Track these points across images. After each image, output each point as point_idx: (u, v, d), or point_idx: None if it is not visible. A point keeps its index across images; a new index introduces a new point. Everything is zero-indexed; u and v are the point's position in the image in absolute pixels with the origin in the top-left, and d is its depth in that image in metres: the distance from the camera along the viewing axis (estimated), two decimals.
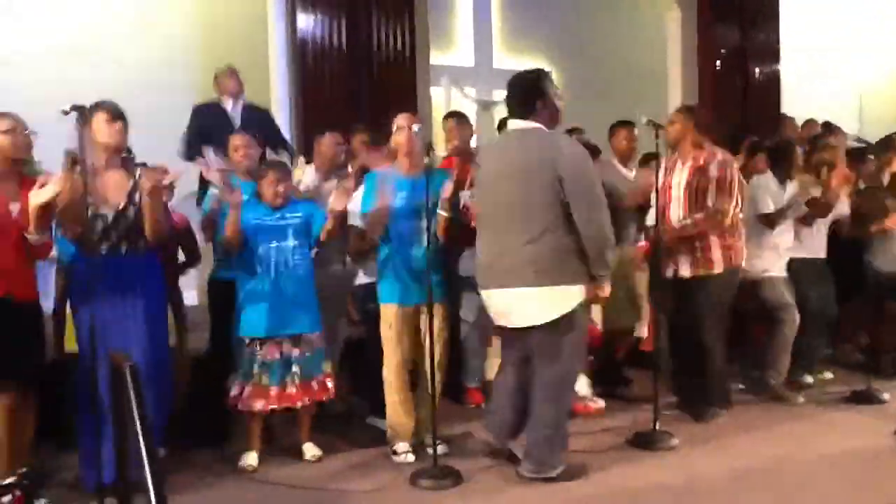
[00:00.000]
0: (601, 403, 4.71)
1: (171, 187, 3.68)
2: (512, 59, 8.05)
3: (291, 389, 3.80)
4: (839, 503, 3.42)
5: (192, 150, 4.98)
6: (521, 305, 3.45)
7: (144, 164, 3.60)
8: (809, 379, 5.36)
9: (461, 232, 4.02)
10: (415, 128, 3.87)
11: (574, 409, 4.17)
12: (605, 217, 3.45)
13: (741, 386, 5.11)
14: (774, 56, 8.14)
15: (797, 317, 4.92)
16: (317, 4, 5.94)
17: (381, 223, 3.84)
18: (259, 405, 3.78)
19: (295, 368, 3.81)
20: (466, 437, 4.24)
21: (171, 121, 5.28)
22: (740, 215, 4.50)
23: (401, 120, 3.92)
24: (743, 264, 4.63)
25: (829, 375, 5.52)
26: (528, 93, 3.50)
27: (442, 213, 3.83)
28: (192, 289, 5.01)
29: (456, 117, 5.05)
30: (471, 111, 7.16)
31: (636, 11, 8.29)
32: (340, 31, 5.96)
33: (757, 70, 8.03)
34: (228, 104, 5.41)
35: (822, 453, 4.00)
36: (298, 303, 3.82)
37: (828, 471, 3.77)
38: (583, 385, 4.56)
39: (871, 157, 5.91)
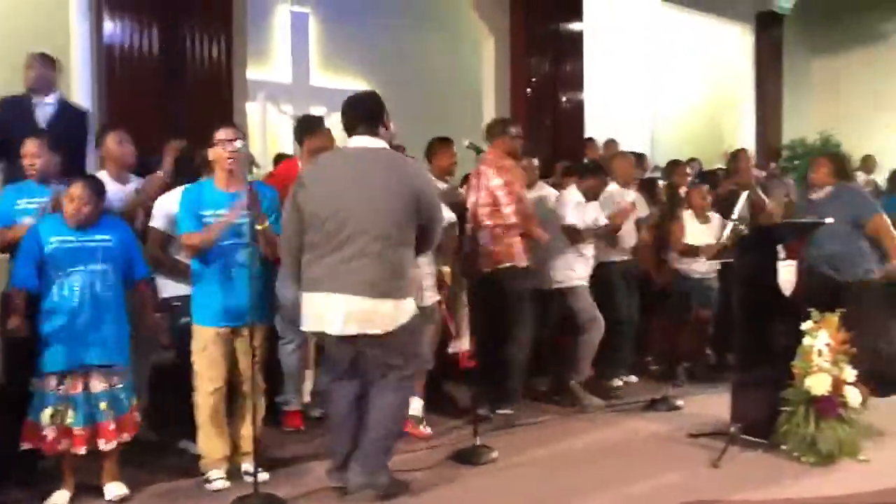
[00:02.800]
0: (429, 431, 4.62)
1: None
2: (330, 78, 8.03)
3: (98, 428, 3.50)
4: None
5: None
6: (371, 313, 3.40)
7: None
8: (618, 381, 5.70)
9: None
10: (237, 143, 3.75)
11: (406, 430, 4.17)
12: (439, 233, 3.69)
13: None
14: (579, 85, 8.62)
15: (602, 324, 5.21)
16: (125, 9, 5.59)
17: (200, 251, 3.71)
18: (64, 445, 3.46)
19: (102, 405, 3.51)
20: (288, 462, 4.12)
21: None
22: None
23: (221, 134, 3.78)
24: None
25: (633, 379, 5.87)
26: (375, 113, 3.57)
27: (258, 227, 3.71)
28: None
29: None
30: (288, 128, 7.03)
31: (454, 37, 8.53)
32: (152, 39, 5.64)
33: (564, 98, 8.47)
34: (39, 99, 4.69)
35: (625, 458, 4.26)
36: (104, 332, 3.52)
37: (630, 474, 3.99)
38: (417, 407, 4.56)
39: (662, 183, 6.43)
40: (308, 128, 4.72)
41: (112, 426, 3.53)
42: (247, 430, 3.78)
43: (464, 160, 5.04)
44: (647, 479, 3.94)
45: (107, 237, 3.57)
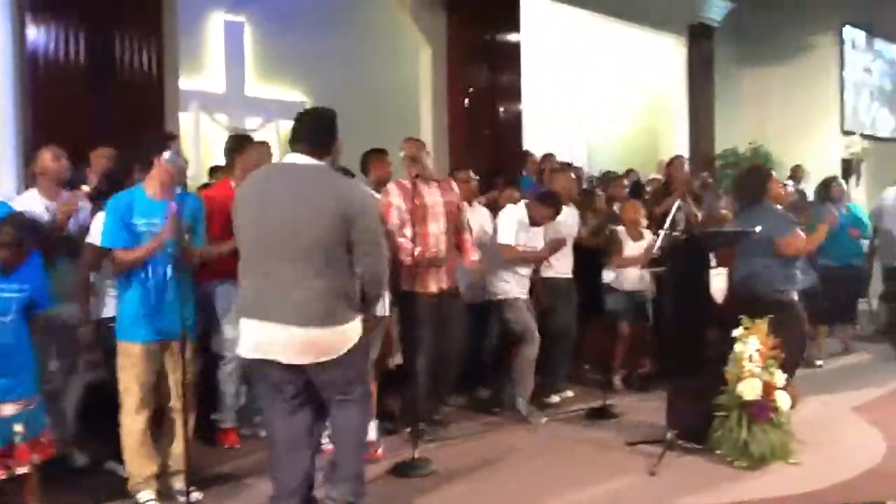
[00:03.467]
0: (381, 453, 4.45)
1: None
2: (265, 88, 7.91)
3: (17, 450, 3.30)
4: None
5: None
6: (316, 342, 3.21)
7: None
8: (556, 398, 5.71)
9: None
10: (165, 155, 3.66)
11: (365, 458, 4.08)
12: (385, 261, 3.48)
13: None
14: (517, 97, 8.68)
15: (538, 339, 5.22)
16: (50, 14, 5.39)
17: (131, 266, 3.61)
18: None
19: (18, 427, 3.31)
20: (224, 479, 4.02)
21: None
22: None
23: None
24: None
25: (569, 394, 5.86)
26: (327, 131, 3.38)
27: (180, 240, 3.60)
28: None
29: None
30: (223, 138, 6.88)
31: (392, 46, 8.50)
32: (78, 46, 5.46)
33: (502, 108, 8.51)
34: None
35: (564, 468, 4.28)
36: (9, 370, 3.30)
37: (570, 483, 4.01)
38: (372, 430, 4.40)
39: (599, 192, 6.50)
40: (237, 147, 4.65)
41: (33, 446, 3.37)
42: (177, 448, 3.66)
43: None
44: (586, 487, 3.96)
45: (24, 287, 3.33)
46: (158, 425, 3.71)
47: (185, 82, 7.05)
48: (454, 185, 4.97)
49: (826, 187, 7.73)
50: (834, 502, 3.44)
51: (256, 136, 6.84)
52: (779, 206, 5.22)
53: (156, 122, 5.60)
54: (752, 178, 5.35)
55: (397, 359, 4.89)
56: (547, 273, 5.60)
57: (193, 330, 3.77)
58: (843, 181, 8.30)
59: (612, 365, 6.11)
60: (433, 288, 4.66)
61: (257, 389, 4.24)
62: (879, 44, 14.49)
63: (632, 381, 6.12)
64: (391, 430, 4.81)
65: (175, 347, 3.54)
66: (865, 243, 8.01)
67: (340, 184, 3.35)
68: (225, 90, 7.76)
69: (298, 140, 3.34)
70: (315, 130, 3.36)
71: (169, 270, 3.59)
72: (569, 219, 5.72)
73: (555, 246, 5.36)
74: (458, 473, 4.15)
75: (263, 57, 7.97)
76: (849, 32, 13.59)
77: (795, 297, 5.08)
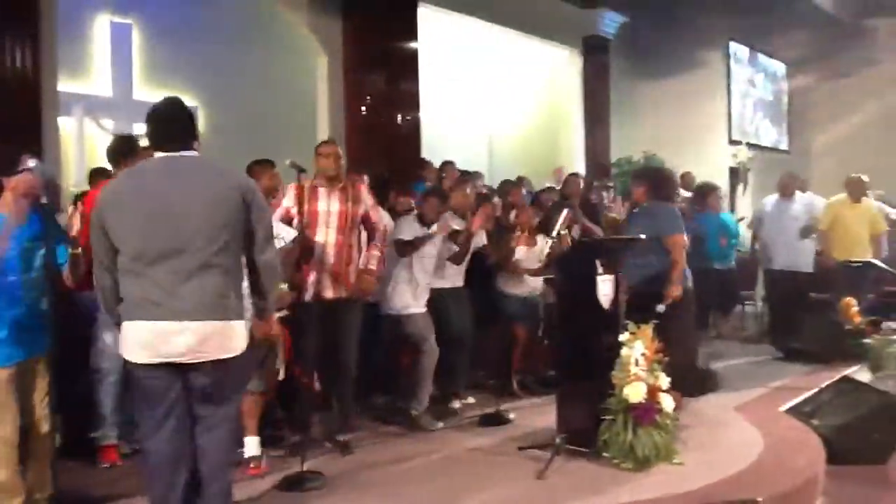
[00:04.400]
0: (265, 466, 4.36)
1: None
2: (155, 92, 7.63)
3: None
4: None
5: None
6: (207, 336, 3.11)
7: None
8: (457, 403, 5.74)
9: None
10: (31, 163, 3.47)
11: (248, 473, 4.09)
12: (279, 256, 3.43)
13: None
14: (416, 104, 8.69)
15: (436, 350, 5.24)
16: None
17: None
18: None
19: None
20: (101, 499, 3.87)
21: None
22: None
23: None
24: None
25: (470, 400, 5.90)
26: (191, 122, 3.28)
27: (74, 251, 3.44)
28: None
29: None
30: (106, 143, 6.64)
31: (287, 53, 8.37)
32: None
33: (400, 117, 8.51)
34: None
35: (454, 476, 4.28)
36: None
37: (458, 491, 4.01)
38: (254, 446, 4.36)
39: (497, 199, 6.57)
40: (126, 149, 4.40)
41: None
42: (43, 470, 3.49)
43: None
44: (475, 494, 3.97)
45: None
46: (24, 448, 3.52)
47: (68, 85, 6.80)
48: (364, 193, 4.86)
49: (703, 196, 8.06)
50: (710, 501, 3.55)
51: (145, 142, 6.71)
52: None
53: (32, 126, 5.36)
54: (655, 177, 5.57)
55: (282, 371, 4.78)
56: (439, 284, 5.62)
57: (52, 346, 3.58)
58: (719, 190, 8.66)
59: (509, 370, 6.18)
60: (328, 295, 4.60)
61: (136, 400, 4.07)
62: (762, 58, 15.25)
63: (529, 385, 6.20)
64: (278, 443, 4.73)
65: (40, 365, 3.36)
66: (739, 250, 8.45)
67: (228, 170, 3.28)
68: (112, 94, 7.49)
69: (170, 133, 3.21)
70: (183, 122, 3.26)
71: (27, 286, 3.44)
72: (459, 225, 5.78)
73: (443, 228, 5.39)
74: (348, 485, 4.10)
75: (153, 61, 7.73)
76: (734, 48, 14.25)
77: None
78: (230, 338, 3.16)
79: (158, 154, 3.23)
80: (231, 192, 3.14)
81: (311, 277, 4.55)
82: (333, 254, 4.64)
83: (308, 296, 4.53)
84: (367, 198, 4.84)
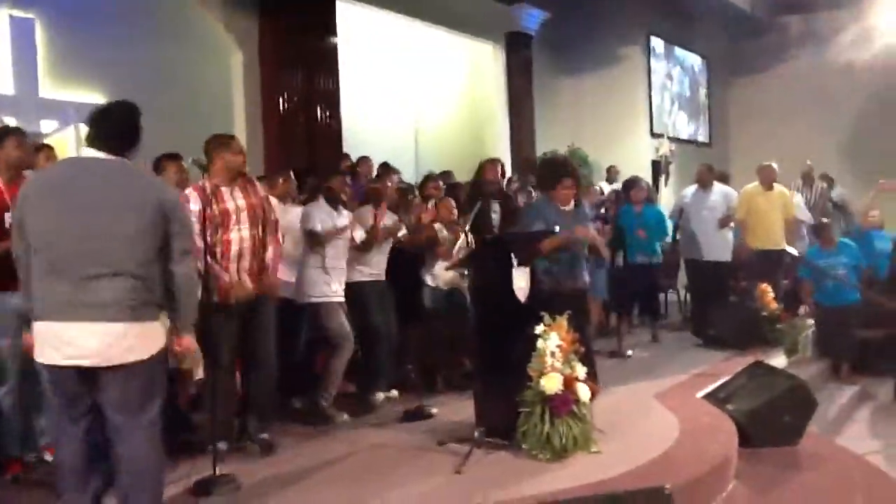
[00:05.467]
0: None
1: None
2: (62, 90, 7.38)
3: None
4: None
5: None
6: (118, 337, 3.07)
7: None
8: (380, 395, 5.69)
9: None
10: None
11: None
12: (195, 268, 3.42)
13: None
14: (335, 100, 8.59)
15: (352, 343, 5.20)
16: None
17: None
18: None
19: None
20: None
21: None
22: None
23: None
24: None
25: (394, 394, 5.87)
26: (133, 129, 3.27)
27: None
28: None
29: None
30: None
31: (201, 49, 8.16)
32: None
33: (320, 113, 8.40)
34: None
35: (372, 472, 4.24)
36: None
37: (374, 487, 3.97)
38: None
39: (415, 194, 6.55)
40: None
41: None
42: None
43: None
44: (392, 489, 3.94)
45: None
46: None
47: None
48: (258, 185, 4.77)
49: (626, 190, 8.21)
50: (622, 488, 3.58)
51: (53, 140, 6.47)
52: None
53: None
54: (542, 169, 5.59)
55: (199, 372, 4.67)
56: (359, 277, 5.58)
57: None
58: (645, 184, 8.83)
59: (433, 364, 6.16)
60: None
61: (46, 407, 3.97)
62: (679, 51, 15.59)
63: (453, 381, 6.18)
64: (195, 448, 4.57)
65: None
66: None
67: (153, 180, 3.35)
68: (15, 92, 7.17)
69: (102, 137, 3.19)
70: (125, 127, 3.25)
71: None
72: (387, 221, 5.73)
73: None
74: (262, 487, 4.01)
75: (58, 56, 7.42)
76: (653, 42, 14.54)
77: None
78: (139, 340, 3.12)
79: (86, 152, 3.23)
80: (151, 202, 3.14)
81: (227, 277, 4.43)
82: (249, 250, 4.54)
83: (218, 298, 4.41)
84: (260, 189, 4.74)
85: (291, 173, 5.77)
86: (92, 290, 3.05)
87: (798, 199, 9.69)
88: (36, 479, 4.15)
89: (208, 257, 4.32)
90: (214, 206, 4.42)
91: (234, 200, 4.52)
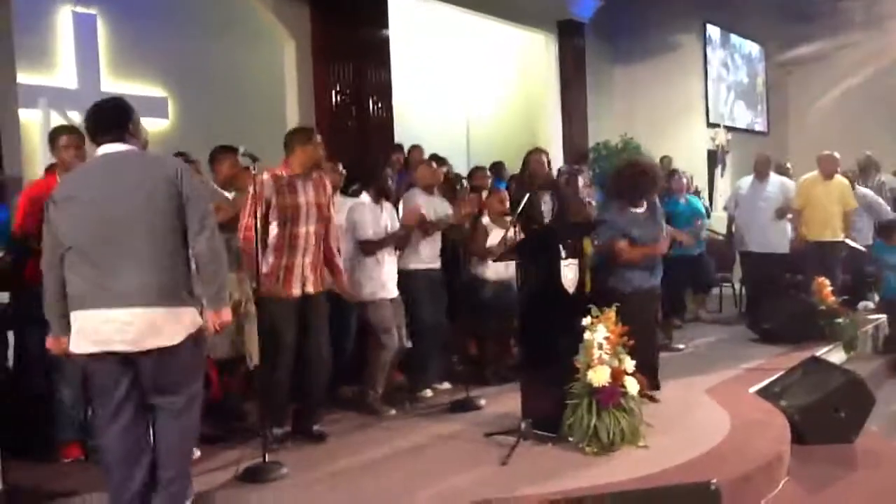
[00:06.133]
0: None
1: None
2: (122, 84, 7.59)
3: None
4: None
5: None
6: (150, 322, 3.19)
7: None
8: (429, 392, 5.72)
9: None
10: None
11: None
12: (220, 239, 3.43)
13: None
14: (388, 91, 8.62)
15: (395, 344, 5.23)
16: None
17: None
18: None
19: None
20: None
21: None
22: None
23: None
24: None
25: (446, 385, 5.88)
26: (122, 116, 3.38)
27: None
28: None
29: None
30: None
31: (253, 41, 8.30)
32: None
33: (372, 104, 8.44)
34: None
35: (419, 463, 4.26)
36: None
37: (422, 478, 4.00)
38: None
39: (465, 184, 6.54)
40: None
41: None
42: None
43: None
44: (439, 481, 3.96)
45: None
46: None
47: (31, 78, 6.74)
48: (328, 184, 4.79)
49: (666, 180, 8.03)
50: (667, 483, 3.55)
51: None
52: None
53: None
54: (622, 174, 5.52)
55: (255, 359, 4.74)
56: (413, 265, 5.60)
57: None
58: (683, 174, 8.64)
59: (481, 357, 6.16)
60: (296, 292, 4.54)
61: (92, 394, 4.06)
62: (735, 39, 15.25)
63: (502, 373, 6.18)
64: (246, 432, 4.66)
65: None
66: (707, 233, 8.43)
67: (165, 163, 3.38)
68: (77, 86, 7.41)
69: (106, 130, 3.33)
70: (114, 117, 3.36)
71: None
72: (437, 208, 5.74)
73: (410, 215, 5.38)
74: (309, 476, 4.07)
75: (119, 51, 7.65)
76: (709, 30, 14.24)
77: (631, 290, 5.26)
78: (168, 325, 3.22)
79: (99, 150, 3.36)
80: (159, 180, 3.25)
81: (295, 272, 4.49)
82: (313, 246, 4.58)
83: (296, 290, 4.50)
84: (329, 188, 4.78)
85: (340, 165, 5.80)
86: (118, 278, 3.19)
87: (866, 191, 9.35)
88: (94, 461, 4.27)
89: (259, 249, 4.35)
90: (287, 198, 4.48)
91: (306, 195, 4.56)
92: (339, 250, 4.84)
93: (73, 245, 3.25)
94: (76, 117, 7.34)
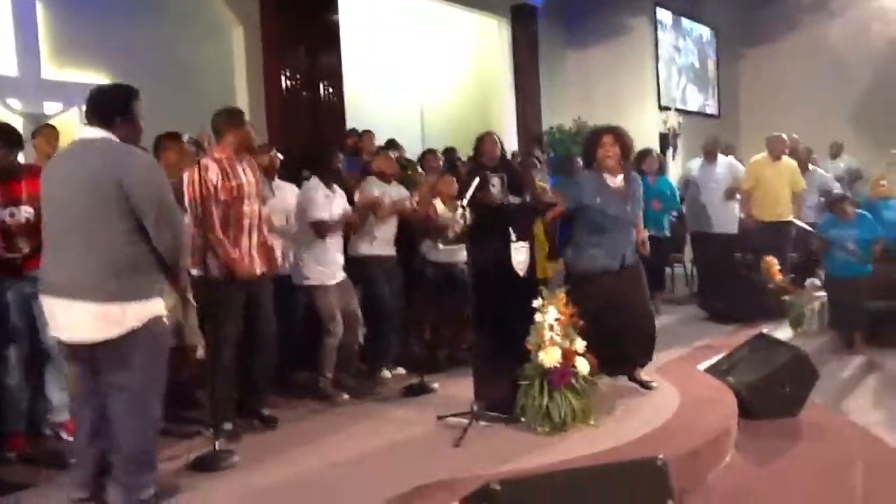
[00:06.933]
0: None
1: None
2: (65, 71, 7.39)
3: None
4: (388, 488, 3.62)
5: None
6: (91, 318, 3.23)
7: None
8: (387, 373, 5.75)
9: None
10: None
11: None
12: (179, 226, 3.43)
13: None
14: (338, 76, 8.55)
15: (340, 326, 5.22)
16: None
17: None
18: None
19: None
20: None
21: None
22: None
23: None
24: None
25: (401, 371, 5.89)
26: (109, 105, 3.39)
27: None
28: None
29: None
30: (17, 124, 6.39)
31: (201, 28, 8.14)
32: None
33: (323, 90, 8.36)
34: None
35: (371, 448, 4.26)
36: None
37: (373, 462, 4.02)
38: None
39: (416, 169, 6.53)
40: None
41: None
42: None
43: None
44: (391, 464, 3.97)
45: None
46: None
47: None
48: (255, 163, 4.75)
49: (639, 161, 8.12)
50: (617, 460, 3.59)
51: (57, 122, 6.50)
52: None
53: None
54: (586, 142, 5.42)
55: (200, 352, 4.69)
56: (368, 250, 5.60)
57: None
58: (657, 155, 8.75)
59: (435, 341, 6.17)
60: (256, 270, 4.51)
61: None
62: (687, 23, 15.40)
63: (457, 356, 6.19)
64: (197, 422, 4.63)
65: None
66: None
67: (119, 153, 3.31)
68: (18, 73, 7.19)
69: (90, 115, 3.40)
70: (100, 104, 3.39)
71: None
72: (393, 196, 5.73)
73: (366, 202, 5.38)
74: (259, 464, 4.05)
75: (61, 37, 7.42)
76: (660, 14, 14.36)
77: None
78: (116, 317, 3.24)
79: (83, 132, 3.43)
80: (108, 180, 3.23)
81: (237, 253, 4.42)
82: (256, 226, 4.54)
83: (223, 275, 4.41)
84: (256, 167, 4.73)
85: (274, 150, 5.72)
86: (70, 268, 3.23)
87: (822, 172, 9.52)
88: (38, 454, 4.20)
89: (219, 232, 4.32)
90: (232, 180, 4.42)
91: (245, 175, 4.51)
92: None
93: (47, 227, 3.40)
94: (17, 105, 7.17)
